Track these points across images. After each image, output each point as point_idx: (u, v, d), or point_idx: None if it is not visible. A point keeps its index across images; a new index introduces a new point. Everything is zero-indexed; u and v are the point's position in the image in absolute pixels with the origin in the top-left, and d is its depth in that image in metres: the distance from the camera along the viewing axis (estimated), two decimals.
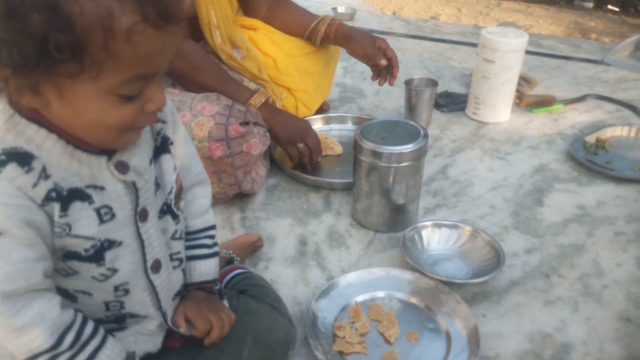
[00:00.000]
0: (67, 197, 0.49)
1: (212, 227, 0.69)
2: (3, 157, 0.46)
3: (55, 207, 0.49)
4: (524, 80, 1.69)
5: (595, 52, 2.11)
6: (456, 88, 1.73)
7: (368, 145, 0.97)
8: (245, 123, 1.02)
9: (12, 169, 0.46)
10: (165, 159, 0.59)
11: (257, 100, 1.11)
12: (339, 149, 1.29)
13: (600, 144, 1.35)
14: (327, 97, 1.50)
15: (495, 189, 1.20)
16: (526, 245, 1.02)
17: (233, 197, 1.10)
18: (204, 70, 1.11)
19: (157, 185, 0.58)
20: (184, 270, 0.65)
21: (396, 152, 0.96)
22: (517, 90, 1.62)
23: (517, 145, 1.38)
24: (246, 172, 1.06)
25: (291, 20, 1.36)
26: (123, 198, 0.53)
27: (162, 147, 0.59)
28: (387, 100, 1.64)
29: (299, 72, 1.35)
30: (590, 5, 5.49)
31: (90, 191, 0.51)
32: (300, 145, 1.15)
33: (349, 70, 1.86)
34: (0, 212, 0.46)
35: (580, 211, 1.12)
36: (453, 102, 1.58)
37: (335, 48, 1.42)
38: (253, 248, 0.96)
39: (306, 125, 1.18)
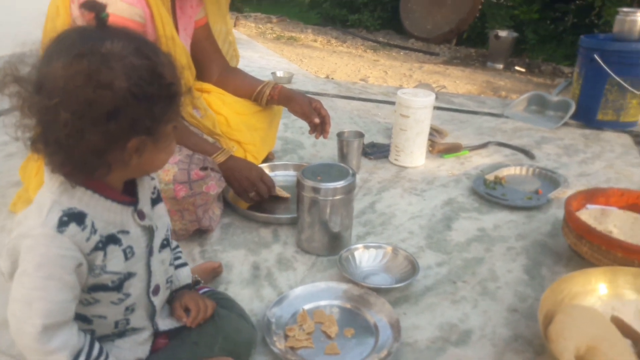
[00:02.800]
0: (105, 242, 0.67)
1: (177, 246, 0.89)
2: (65, 219, 0.63)
3: (99, 255, 0.66)
4: (436, 132, 2.00)
5: (497, 107, 2.50)
6: (381, 139, 2.01)
7: (309, 183, 1.19)
8: (204, 168, 1.22)
9: (73, 227, 0.63)
10: (160, 206, 0.79)
11: (219, 158, 1.32)
12: (287, 194, 1.50)
13: (497, 181, 1.65)
14: (272, 148, 1.72)
15: (413, 219, 1.44)
16: (437, 260, 1.25)
17: (193, 233, 1.27)
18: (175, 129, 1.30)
19: (156, 226, 0.77)
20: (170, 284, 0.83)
21: (331, 187, 1.18)
22: (430, 140, 1.93)
23: (431, 184, 1.66)
24: (205, 210, 1.24)
25: (240, 84, 1.59)
26: (140, 238, 0.72)
27: (157, 198, 0.78)
28: (323, 151, 1.89)
29: (247, 128, 1.58)
30: (501, 67, 6.18)
31: (120, 235, 0.69)
32: (252, 194, 1.36)
33: (289, 126, 2.11)
34: (57, 261, 0.62)
35: (481, 233, 1.38)
36: (378, 151, 1.86)
37: (278, 107, 1.66)
38: (214, 273, 1.14)
39: (257, 174, 1.39)
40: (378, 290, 1.08)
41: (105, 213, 0.68)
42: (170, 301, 0.85)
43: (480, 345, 0.99)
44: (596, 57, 2.13)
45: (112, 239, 0.69)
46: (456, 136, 2.07)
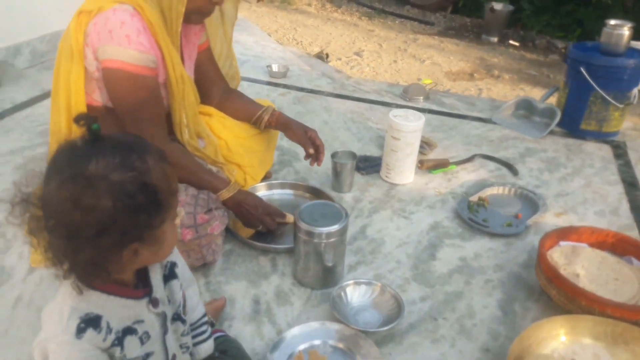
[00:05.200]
0: (122, 336, 0.75)
1: (204, 316, 0.97)
2: (82, 325, 0.70)
3: (117, 349, 0.74)
4: (426, 144, 2.09)
5: (486, 109, 2.57)
6: (373, 149, 2.10)
7: (304, 226, 1.29)
8: (208, 210, 1.31)
9: (90, 332, 0.71)
10: (174, 282, 0.86)
11: (225, 194, 1.40)
12: (290, 219, 1.59)
13: (481, 203, 1.76)
14: (269, 168, 1.80)
15: (401, 246, 1.56)
16: (421, 294, 1.38)
17: (198, 266, 1.38)
18: (186, 167, 1.36)
19: (169, 300, 0.86)
20: (191, 353, 0.93)
21: (325, 232, 1.28)
22: (421, 152, 2.02)
23: (419, 205, 1.76)
24: (209, 247, 1.34)
25: (240, 108, 1.65)
26: (155, 323, 0.80)
27: (170, 274, 0.86)
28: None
29: (246, 151, 1.65)
30: (495, 40, 6.18)
31: (135, 325, 0.77)
32: (259, 227, 1.47)
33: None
34: None
35: (462, 263, 1.51)
36: (370, 165, 1.95)
37: (275, 130, 1.73)
38: (221, 310, 1.26)
39: (263, 210, 1.48)
40: (366, 332, 1.20)
41: (120, 310, 0.76)
42: None
43: None
44: (582, 70, 2.20)
45: (128, 331, 0.77)
46: (445, 146, 2.16)
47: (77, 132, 0.71)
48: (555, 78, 4.74)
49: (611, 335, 1.19)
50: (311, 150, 1.61)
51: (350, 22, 6.60)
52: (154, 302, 0.81)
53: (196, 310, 0.96)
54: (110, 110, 1.33)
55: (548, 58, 5.53)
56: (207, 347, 0.97)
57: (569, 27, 6.10)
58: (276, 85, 2.71)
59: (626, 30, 2.18)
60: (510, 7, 5.87)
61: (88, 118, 0.69)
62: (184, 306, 0.90)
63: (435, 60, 5.17)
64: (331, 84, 2.79)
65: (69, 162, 0.68)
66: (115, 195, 0.66)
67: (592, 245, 1.47)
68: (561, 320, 1.20)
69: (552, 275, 1.29)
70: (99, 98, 1.33)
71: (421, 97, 2.60)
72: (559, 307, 1.29)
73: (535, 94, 4.38)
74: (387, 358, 1.17)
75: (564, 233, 1.46)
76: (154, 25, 1.26)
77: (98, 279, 0.73)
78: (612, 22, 2.23)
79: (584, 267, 1.38)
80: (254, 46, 3.37)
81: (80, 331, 0.71)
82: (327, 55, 4.99)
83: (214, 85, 1.63)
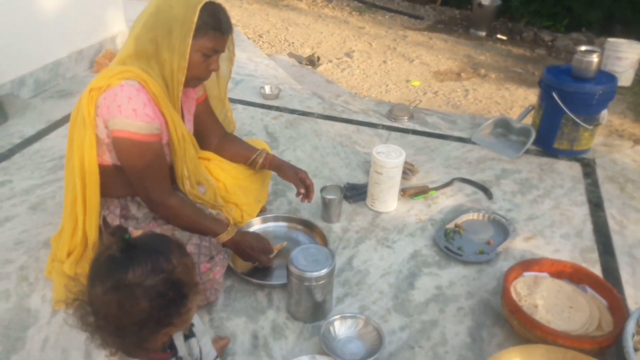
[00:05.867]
0: None
1: (217, 357, 1.17)
2: None
3: None
4: (409, 170, 2.26)
5: (466, 128, 2.73)
6: (359, 175, 2.26)
7: (296, 271, 1.46)
8: (210, 258, 1.48)
9: None
10: (192, 340, 1.06)
11: (225, 237, 1.57)
12: (283, 244, 1.78)
13: (457, 230, 1.94)
14: (264, 203, 1.97)
15: (384, 276, 1.74)
16: (400, 323, 1.56)
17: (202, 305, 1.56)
18: (188, 217, 1.53)
19: (189, 354, 1.04)
20: None
21: (315, 275, 1.46)
22: (404, 178, 2.19)
23: (401, 233, 1.94)
24: (212, 288, 1.52)
25: (236, 152, 1.82)
26: None
27: (189, 333, 1.05)
28: None
29: (242, 191, 1.82)
30: (483, 34, 6.30)
31: None
32: (256, 264, 1.64)
33: None
34: None
35: (438, 291, 1.69)
36: (357, 193, 2.12)
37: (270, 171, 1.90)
38: (226, 347, 1.44)
39: (259, 249, 1.65)
40: None
41: None
42: None
43: None
44: (554, 95, 2.36)
45: None
46: (426, 170, 2.33)
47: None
48: (539, 76, 4.91)
49: None
50: (302, 190, 1.78)
51: (341, 19, 6.69)
52: None
53: (209, 355, 1.16)
54: (119, 168, 1.50)
55: (534, 53, 5.67)
56: None
57: (557, 15, 6.22)
58: (269, 107, 2.86)
59: (595, 58, 2.33)
60: (498, 2, 5.98)
61: (121, 230, 0.88)
62: (201, 356, 1.09)
63: (423, 59, 5.30)
64: (321, 104, 2.94)
65: (109, 272, 0.87)
66: (151, 297, 0.86)
67: (552, 274, 1.65)
68: (517, 350, 1.38)
69: (513, 309, 1.48)
70: (108, 159, 1.49)
71: (405, 117, 2.76)
72: (520, 335, 1.48)
73: (520, 93, 4.54)
74: None
75: (527, 265, 1.65)
76: (157, 97, 1.42)
77: (139, 356, 0.92)
78: (583, 48, 2.38)
79: (543, 297, 1.56)
80: (247, 63, 3.51)
81: None
82: (319, 59, 5.12)
83: (212, 132, 1.79)
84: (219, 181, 1.77)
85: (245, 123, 2.69)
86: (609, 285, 1.58)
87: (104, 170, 1.50)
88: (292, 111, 2.83)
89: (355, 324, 1.53)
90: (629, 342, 1.36)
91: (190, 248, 1.48)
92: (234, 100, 2.93)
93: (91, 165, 1.47)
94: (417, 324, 1.56)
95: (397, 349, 1.48)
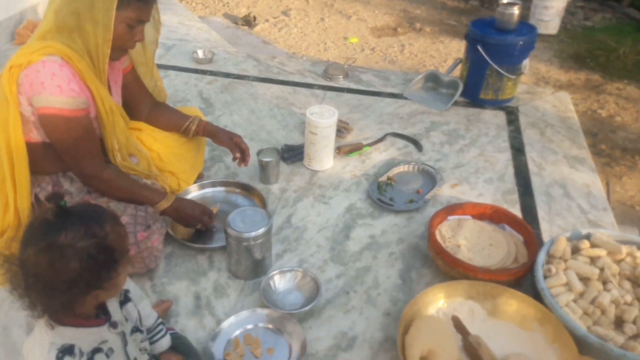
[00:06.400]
0: (92, 355, 0.98)
1: (158, 318, 1.22)
2: (60, 354, 0.93)
3: None
4: (344, 128, 2.32)
5: (399, 84, 2.81)
6: (297, 137, 2.31)
7: (234, 233, 1.52)
8: (147, 227, 1.51)
9: (67, 359, 0.94)
10: (129, 305, 1.09)
11: (163, 205, 1.60)
12: (217, 206, 1.83)
13: (389, 182, 2.04)
14: (201, 170, 2.00)
15: (321, 231, 1.82)
16: (337, 272, 1.66)
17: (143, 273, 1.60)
18: (124, 189, 1.55)
19: (126, 319, 1.09)
20: (149, 353, 1.17)
21: (253, 235, 1.52)
22: (339, 136, 2.26)
23: (337, 189, 2.02)
24: (150, 256, 1.56)
25: (168, 120, 1.82)
26: (116, 339, 1.04)
27: (125, 299, 1.09)
28: None
29: (177, 159, 1.84)
30: None
31: (102, 345, 1.00)
32: (198, 226, 1.68)
33: None
34: None
35: (371, 240, 1.79)
36: (294, 154, 2.17)
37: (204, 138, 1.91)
38: (168, 310, 1.50)
39: (200, 211, 1.68)
40: (291, 313, 1.48)
41: (87, 337, 0.99)
42: None
43: (362, 348, 1.44)
44: (479, 47, 2.46)
45: (96, 351, 1.00)
46: (361, 127, 2.40)
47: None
48: None
49: (482, 293, 1.52)
50: (238, 155, 1.81)
51: None
52: (114, 325, 1.04)
53: (150, 317, 1.21)
54: (47, 144, 1.48)
55: (468, 4, 5.77)
56: (166, 342, 1.24)
57: None
58: (203, 72, 2.84)
59: (516, 10, 2.43)
60: None
61: (57, 197, 0.90)
62: (140, 319, 1.14)
63: (361, 15, 5.32)
64: (257, 67, 2.93)
65: (42, 235, 0.89)
66: (82, 258, 0.89)
67: (474, 217, 1.78)
68: (443, 286, 1.51)
69: (438, 250, 1.60)
70: (36, 136, 1.47)
71: (341, 76, 2.81)
72: (445, 274, 1.61)
73: (454, 46, 4.66)
74: (308, 332, 1.46)
75: (451, 209, 1.77)
76: (81, 71, 1.41)
77: (67, 318, 0.96)
78: (505, 0, 2.48)
79: (465, 238, 1.69)
80: (179, 28, 3.43)
81: (59, 359, 0.94)
82: (255, 18, 5.03)
83: (141, 102, 1.78)
84: (152, 151, 1.78)
85: (178, 90, 2.66)
86: (524, 222, 1.73)
87: (32, 148, 1.48)
88: (227, 75, 2.82)
89: (294, 276, 1.61)
90: (539, 272, 1.51)
91: (125, 219, 1.50)
92: (166, 67, 2.88)
93: (18, 143, 1.45)
94: (352, 272, 1.67)
95: (333, 296, 1.58)
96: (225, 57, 3.03)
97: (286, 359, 1.39)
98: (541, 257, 1.55)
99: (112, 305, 1.07)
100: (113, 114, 1.54)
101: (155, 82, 1.90)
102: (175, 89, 2.65)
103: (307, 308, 1.50)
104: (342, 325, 1.49)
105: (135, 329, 1.11)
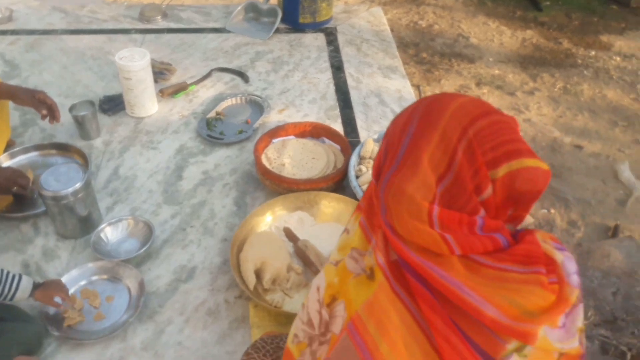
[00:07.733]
0: None
1: None
2: None
3: None
4: (166, 70, 2.27)
5: (221, 18, 2.77)
6: (116, 86, 2.21)
7: (49, 193, 1.46)
8: None
9: None
10: None
11: None
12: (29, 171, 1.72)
13: (218, 118, 2.06)
14: (8, 137, 1.84)
15: (152, 176, 1.82)
16: (171, 212, 1.69)
17: None
18: None
19: None
20: None
21: (70, 191, 1.48)
22: (162, 79, 2.21)
23: (165, 133, 2.00)
24: None
25: None
26: None
27: None
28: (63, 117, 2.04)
29: None
30: None
31: None
32: (15, 189, 1.57)
33: None
34: None
35: (204, 176, 1.83)
36: (115, 105, 2.09)
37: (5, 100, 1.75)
38: None
39: (12, 174, 1.57)
40: (126, 260, 1.49)
41: None
42: None
43: (202, 275, 1.51)
44: None
45: None
46: (185, 67, 2.36)
47: None
48: None
49: (307, 202, 1.65)
50: (44, 112, 1.70)
51: None
52: None
53: None
54: None
55: None
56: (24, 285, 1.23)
57: None
58: (3, 33, 2.55)
59: None
60: None
61: None
62: None
63: None
64: (65, 19, 2.69)
65: None
66: None
67: (297, 136, 1.89)
68: (268, 204, 1.62)
69: (263, 171, 1.69)
70: None
71: (159, 17, 2.69)
72: (275, 192, 1.71)
73: None
74: (147, 273, 1.49)
75: (274, 133, 1.86)
76: None
77: None
78: None
79: (289, 156, 1.80)
80: None
81: None
82: None
83: None
84: None
85: None
86: (338, 132, 1.88)
87: None
88: (31, 32, 2.56)
89: (126, 225, 1.61)
90: (352, 172, 1.67)
91: None
92: None
93: None
94: (187, 209, 1.71)
95: (170, 235, 1.62)
96: (26, 12, 2.73)
97: (126, 302, 1.42)
98: (353, 159, 1.72)
99: None
100: None
101: None
102: None
103: (140, 251, 1.52)
104: (181, 260, 1.55)
105: None
